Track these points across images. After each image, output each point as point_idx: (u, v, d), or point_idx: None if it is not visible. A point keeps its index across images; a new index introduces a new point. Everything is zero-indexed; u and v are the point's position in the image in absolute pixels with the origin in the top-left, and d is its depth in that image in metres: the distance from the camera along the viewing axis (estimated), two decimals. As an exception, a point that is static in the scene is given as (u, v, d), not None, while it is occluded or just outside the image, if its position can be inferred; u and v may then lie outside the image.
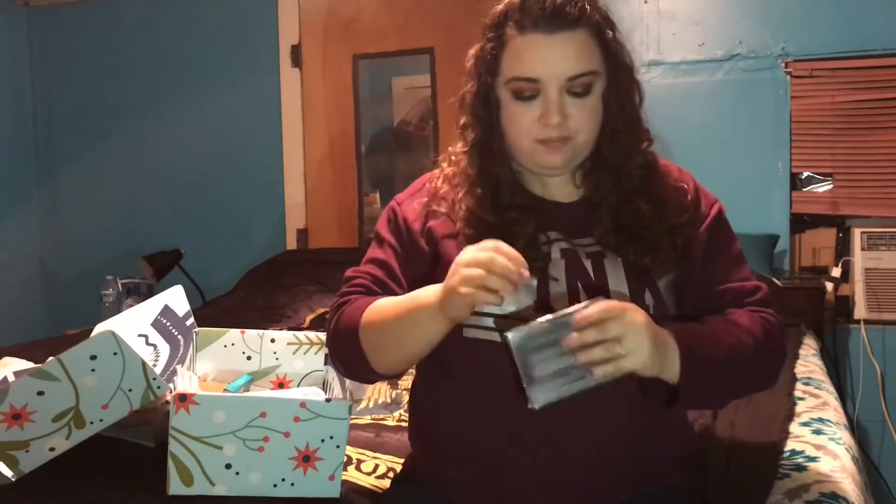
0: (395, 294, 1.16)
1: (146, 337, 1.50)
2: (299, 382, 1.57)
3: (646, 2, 2.96)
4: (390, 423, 1.59)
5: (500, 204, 1.16)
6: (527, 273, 0.97)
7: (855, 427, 2.58)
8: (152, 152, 3.60)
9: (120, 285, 3.07)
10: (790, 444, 1.39)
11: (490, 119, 1.16)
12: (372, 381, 1.23)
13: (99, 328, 1.45)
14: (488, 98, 1.16)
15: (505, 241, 1.10)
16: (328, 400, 1.21)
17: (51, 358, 1.22)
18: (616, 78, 1.14)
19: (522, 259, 0.98)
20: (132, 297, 3.03)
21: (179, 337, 1.57)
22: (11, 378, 1.48)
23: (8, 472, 1.21)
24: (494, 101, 1.15)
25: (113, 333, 1.18)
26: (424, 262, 1.18)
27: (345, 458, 1.22)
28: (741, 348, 1.07)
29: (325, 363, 1.54)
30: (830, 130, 2.77)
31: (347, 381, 1.35)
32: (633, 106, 1.16)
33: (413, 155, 3.25)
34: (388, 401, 1.75)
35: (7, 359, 1.69)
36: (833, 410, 1.62)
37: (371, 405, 1.73)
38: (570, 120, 1.10)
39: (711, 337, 1.07)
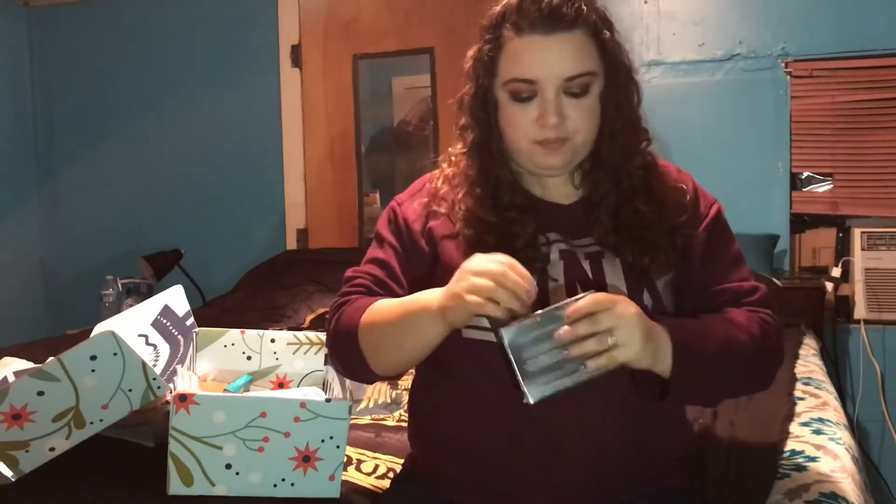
0: (396, 294, 1.16)
1: (146, 337, 1.50)
2: (299, 382, 1.57)
3: (646, 2, 2.96)
4: (390, 423, 1.59)
5: (500, 204, 1.16)
6: (534, 293, 0.98)
7: (855, 427, 2.58)
8: (152, 152, 3.60)
9: (120, 285, 3.07)
10: (790, 444, 1.39)
11: (488, 120, 1.17)
12: (371, 382, 1.23)
13: (99, 328, 1.45)
14: (486, 99, 1.16)
15: (504, 241, 1.12)
16: (328, 400, 1.21)
17: (51, 358, 1.22)
18: (614, 78, 1.14)
19: (532, 278, 0.99)
20: (132, 297, 3.03)
21: (179, 337, 1.57)
22: (11, 378, 1.48)
23: (8, 472, 1.21)
24: (493, 102, 1.16)
25: (113, 333, 1.18)
26: (425, 263, 1.19)
27: (345, 459, 1.22)
28: (736, 344, 1.07)
29: (325, 363, 1.54)
30: (830, 130, 2.77)
31: (347, 382, 1.35)
32: (631, 106, 1.16)
33: (413, 155, 3.25)
34: (388, 401, 1.75)
35: (7, 359, 1.69)
36: (833, 410, 1.62)
37: (371, 405, 1.74)
38: (568, 121, 1.10)
39: (705, 331, 1.07)
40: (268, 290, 2.91)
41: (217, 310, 2.78)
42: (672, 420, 1.18)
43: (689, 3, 2.92)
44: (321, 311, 2.61)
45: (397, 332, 1.08)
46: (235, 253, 3.42)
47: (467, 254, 1.13)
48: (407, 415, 1.30)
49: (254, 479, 1.19)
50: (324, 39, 3.38)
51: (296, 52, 3.40)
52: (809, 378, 1.87)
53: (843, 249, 2.77)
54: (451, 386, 1.15)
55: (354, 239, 3.34)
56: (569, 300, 0.98)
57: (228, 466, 1.18)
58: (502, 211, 1.16)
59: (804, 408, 1.62)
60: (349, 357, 1.14)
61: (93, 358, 1.18)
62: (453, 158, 1.23)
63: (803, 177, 2.85)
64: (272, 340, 1.58)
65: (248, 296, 2.94)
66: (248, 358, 1.57)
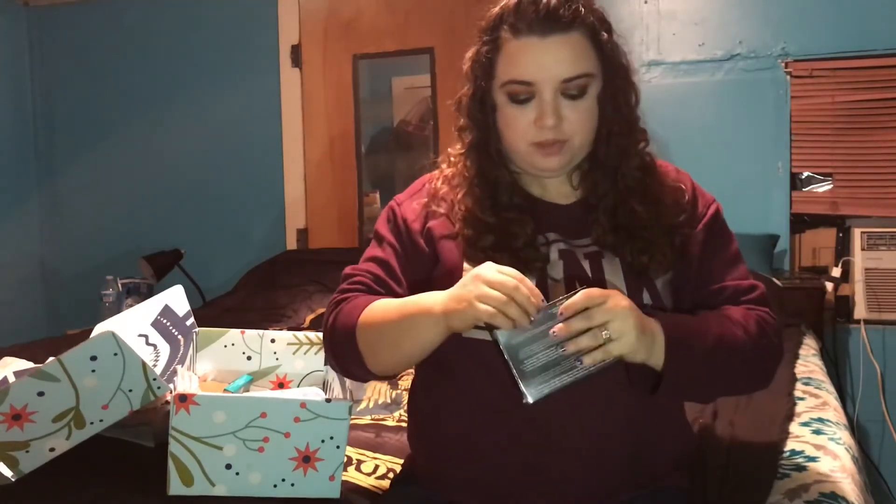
0: (396, 293, 1.16)
1: (146, 337, 1.50)
2: (299, 382, 1.57)
3: (646, 2, 2.96)
4: (390, 423, 1.59)
5: (499, 205, 1.17)
6: (541, 307, 0.99)
7: (855, 427, 2.58)
8: (152, 152, 3.60)
9: (120, 285, 3.07)
10: (790, 444, 1.39)
11: (486, 122, 1.17)
12: (366, 380, 1.23)
13: (99, 328, 1.45)
14: (484, 101, 1.16)
15: (504, 241, 1.12)
16: (328, 400, 1.21)
17: (51, 358, 1.22)
18: (612, 80, 1.14)
19: (541, 295, 1.00)
20: (132, 297, 3.03)
21: (179, 337, 1.57)
22: (11, 378, 1.48)
23: (8, 473, 1.21)
24: (490, 103, 1.16)
25: (113, 334, 1.18)
26: (424, 263, 1.19)
27: (345, 459, 1.22)
28: (732, 341, 1.07)
29: (326, 363, 1.54)
30: (830, 130, 2.77)
31: (347, 382, 1.35)
32: (629, 107, 1.17)
33: (413, 155, 3.25)
34: (388, 401, 1.75)
35: (7, 359, 1.69)
36: (833, 410, 1.62)
37: (371, 405, 1.74)
38: (566, 122, 1.11)
39: (700, 327, 1.07)
40: (268, 290, 2.91)
41: (217, 310, 2.78)
42: (672, 420, 1.18)
43: (689, 3, 2.92)
44: (321, 311, 2.61)
45: (396, 332, 1.08)
46: (235, 253, 3.42)
47: (467, 254, 1.14)
48: (407, 415, 1.30)
49: (254, 480, 1.19)
50: (324, 39, 3.38)
51: (296, 52, 3.40)
52: (809, 378, 1.87)
53: (843, 249, 2.77)
54: (450, 386, 1.15)
55: (354, 239, 3.34)
56: (562, 297, 0.99)
57: (228, 467, 1.18)
58: (501, 211, 1.16)
59: (804, 408, 1.62)
60: (346, 355, 1.14)
61: (93, 358, 1.18)
62: (452, 159, 1.24)
63: (803, 177, 2.85)
64: (272, 340, 1.58)
65: (248, 296, 2.94)
66: (248, 358, 1.57)
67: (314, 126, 3.42)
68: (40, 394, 1.18)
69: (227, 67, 3.47)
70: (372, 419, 1.62)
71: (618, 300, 0.99)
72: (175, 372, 1.45)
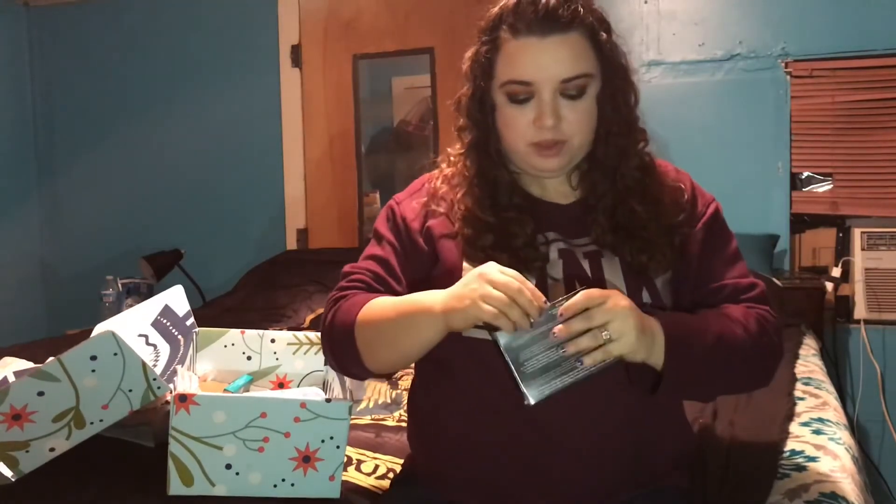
0: (395, 291, 1.16)
1: (146, 337, 1.50)
2: (299, 382, 1.57)
3: (646, 2, 2.96)
4: (390, 423, 1.59)
5: (499, 204, 1.17)
6: (543, 309, 0.99)
7: (855, 427, 2.58)
8: (152, 152, 3.60)
9: (120, 285, 3.07)
10: (790, 444, 1.39)
11: (486, 121, 1.17)
12: (363, 378, 1.23)
13: (99, 328, 1.45)
14: (483, 101, 1.16)
15: (503, 240, 1.12)
16: (328, 400, 1.21)
17: (51, 358, 1.22)
18: (611, 80, 1.14)
19: (544, 298, 1.00)
20: (132, 297, 3.03)
21: (179, 337, 1.57)
22: (11, 378, 1.47)
23: (8, 473, 1.21)
24: (490, 103, 1.16)
25: (113, 334, 1.18)
26: (423, 261, 1.19)
27: (345, 459, 1.22)
28: (731, 339, 1.07)
29: (326, 363, 1.54)
30: (830, 130, 2.77)
31: (347, 382, 1.35)
32: (628, 107, 1.17)
33: (413, 155, 3.25)
34: (388, 401, 1.75)
35: (7, 359, 1.69)
36: (833, 410, 1.62)
37: (371, 405, 1.73)
38: (565, 123, 1.11)
39: (699, 325, 1.07)
40: (268, 290, 2.91)
41: (217, 310, 2.78)
42: (672, 420, 1.18)
43: (689, 3, 2.92)
44: (321, 311, 2.60)
45: (394, 330, 1.08)
46: (235, 253, 3.42)
47: (466, 253, 1.14)
48: (407, 415, 1.30)
49: (254, 480, 1.19)
50: (324, 39, 3.38)
51: (296, 52, 3.40)
52: (809, 378, 1.87)
53: (843, 249, 2.77)
54: (450, 386, 1.15)
55: (354, 239, 3.34)
56: (561, 298, 0.99)
57: (228, 466, 1.18)
58: (501, 211, 1.16)
59: (804, 408, 1.62)
60: (344, 352, 1.13)
61: (93, 358, 1.18)
62: (452, 159, 1.24)
63: (803, 177, 2.85)
64: (272, 340, 1.58)
65: (248, 296, 2.94)
66: (248, 358, 1.57)
67: (314, 126, 3.42)
68: (40, 394, 1.18)
69: (227, 67, 3.47)
70: (372, 419, 1.62)
71: (617, 300, 0.99)
72: (175, 372, 1.45)
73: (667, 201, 1.17)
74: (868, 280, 2.66)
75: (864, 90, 2.72)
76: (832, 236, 2.81)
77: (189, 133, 3.54)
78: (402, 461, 1.32)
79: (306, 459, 1.19)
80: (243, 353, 1.57)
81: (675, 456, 1.18)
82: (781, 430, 1.46)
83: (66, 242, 3.75)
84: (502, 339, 0.99)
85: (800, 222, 2.85)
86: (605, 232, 1.15)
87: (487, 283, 0.99)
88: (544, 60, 1.09)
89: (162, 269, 3.32)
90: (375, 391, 1.80)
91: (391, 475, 1.31)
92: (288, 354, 1.57)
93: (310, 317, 2.63)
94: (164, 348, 1.53)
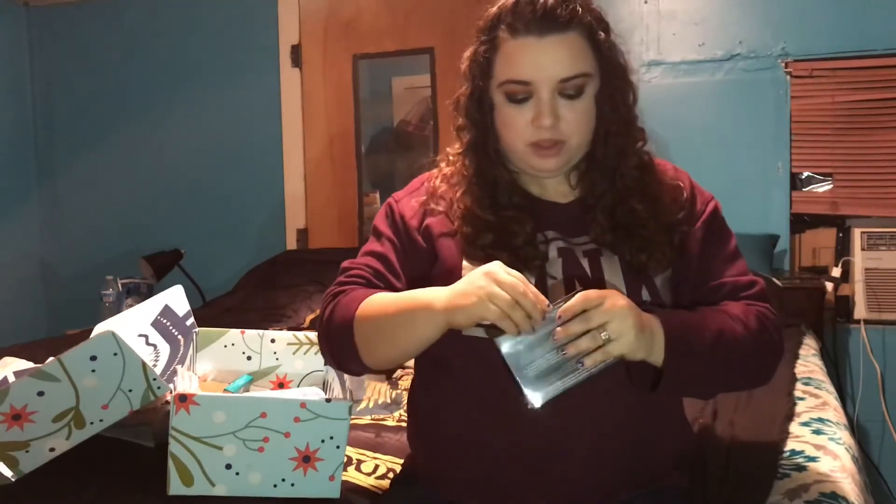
0: (394, 288, 1.16)
1: (146, 337, 1.50)
2: (299, 382, 1.57)
3: (646, 2, 2.96)
4: (390, 423, 1.59)
5: (498, 203, 1.17)
6: (545, 313, 0.99)
7: (855, 427, 2.58)
8: (152, 152, 3.60)
9: (120, 285, 3.07)
10: (790, 444, 1.39)
11: (484, 121, 1.17)
12: (359, 374, 1.23)
13: (99, 328, 1.45)
14: (482, 100, 1.16)
15: (503, 239, 1.12)
16: (328, 400, 1.21)
17: (51, 358, 1.22)
18: (609, 79, 1.14)
19: (546, 301, 1.00)
20: (132, 297, 3.03)
21: (179, 337, 1.57)
22: (11, 378, 1.47)
23: (8, 473, 1.21)
24: (488, 103, 1.16)
25: (113, 334, 1.18)
26: (422, 259, 1.19)
27: (345, 459, 1.22)
28: (731, 336, 1.07)
29: (326, 363, 1.54)
30: (830, 130, 2.77)
31: (347, 382, 1.35)
32: (626, 107, 1.17)
33: (413, 155, 3.25)
34: (388, 401, 1.75)
35: (7, 359, 1.69)
36: (833, 410, 1.62)
37: (371, 405, 1.73)
38: (563, 122, 1.11)
39: (699, 322, 1.07)
40: (268, 290, 2.91)
41: (217, 310, 2.78)
42: (672, 420, 1.18)
43: (689, 3, 2.92)
44: (321, 311, 2.61)
45: (393, 326, 1.08)
46: (235, 253, 3.42)
47: (466, 252, 1.14)
48: (407, 415, 1.30)
49: (254, 480, 1.19)
50: (324, 39, 3.38)
51: (296, 52, 3.40)
52: (809, 378, 1.87)
53: (843, 249, 2.77)
54: (450, 385, 1.15)
55: (354, 239, 3.34)
56: (559, 300, 0.99)
57: (228, 466, 1.18)
58: (500, 210, 1.16)
59: (804, 408, 1.62)
60: (341, 347, 1.13)
61: (93, 358, 1.18)
62: (451, 158, 1.24)
63: (803, 177, 2.85)
64: (272, 340, 1.58)
65: (248, 296, 2.94)
66: (248, 358, 1.57)
67: (314, 126, 3.42)
68: (40, 394, 1.18)
69: (227, 67, 3.47)
70: (372, 419, 1.62)
71: (615, 300, 0.99)
72: (175, 372, 1.45)
73: (666, 200, 1.17)
74: (868, 280, 2.66)
75: (864, 90, 2.72)
76: (832, 236, 2.81)
77: (189, 133, 3.54)
78: (402, 461, 1.32)
79: (306, 459, 1.19)
80: (243, 353, 1.57)
81: (675, 456, 1.18)
82: (781, 430, 1.46)
83: (66, 242, 3.75)
84: (504, 343, 0.99)
85: (800, 222, 2.85)
86: (604, 231, 1.15)
87: (494, 282, 0.99)
88: (543, 60, 1.09)
89: (162, 269, 3.31)
90: (375, 391, 1.80)
91: (391, 475, 1.31)
92: (288, 354, 1.57)
93: (310, 317, 2.63)
94: (164, 348, 1.53)
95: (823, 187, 2.82)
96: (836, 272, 2.73)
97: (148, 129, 3.59)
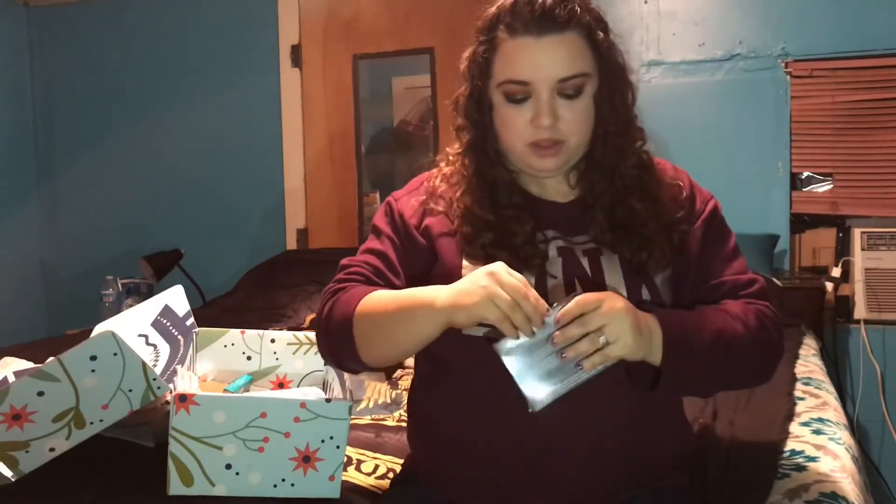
0: (394, 286, 1.16)
1: (146, 337, 1.50)
2: (299, 382, 1.57)
3: (646, 2, 2.96)
4: (390, 423, 1.59)
5: (498, 203, 1.17)
6: (544, 319, 0.99)
7: (855, 427, 2.58)
8: (152, 152, 3.60)
9: (120, 285, 3.07)
10: (790, 444, 1.39)
11: (483, 121, 1.17)
12: (356, 372, 1.22)
13: (99, 328, 1.45)
14: (481, 101, 1.17)
15: (503, 238, 1.12)
16: (328, 400, 1.21)
17: (51, 358, 1.22)
18: (608, 79, 1.14)
19: (546, 305, 1.00)
20: (132, 297, 3.03)
21: (179, 337, 1.57)
22: (11, 378, 1.48)
23: (8, 473, 1.21)
24: (487, 103, 1.16)
25: (113, 334, 1.18)
26: (421, 257, 1.19)
27: (345, 459, 1.22)
28: (730, 334, 1.07)
29: (324, 361, 1.54)
30: (830, 130, 2.77)
31: (347, 382, 1.35)
32: (625, 107, 1.17)
33: (413, 155, 3.25)
34: (388, 401, 1.75)
35: (7, 359, 1.69)
36: (833, 410, 1.62)
37: (371, 405, 1.73)
38: (562, 122, 1.11)
39: (697, 321, 1.07)
40: (268, 290, 2.91)
41: (217, 310, 2.78)
42: (672, 419, 1.19)
43: (689, 3, 2.92)
44: (321, 310, 2.60)
45: (393, 323, 1.08)
46: (235, 253, 3.42)
47: (466, 251, 1.14)
48: (407, 415, 1.30)
49: (254, 480, 1.19)
50: (324, 39, 3.38)
51: (296, 52, 3.40)
52: (809, 378, 1.87)
53: (843, 249, 2.77)
54: (449, 384, 1.15)
55: (354, 239, 3.34)
56: (557, 305, 1.00)
57: (228, 467, 1.18)
58: (500, 209, 1.16)
59: (804, 408, 1.62)
60: (340, 344, 1.13)
61: (93, 358, 1.18)
62: (451, 158, 1.24)
63: (803, 177, 2.85)
64: (272, 340, 1.58)
65: (248, 296, 2.94)
66: (248, 358, 1.57)
67: (314, 126, 3.42)
68: (40, 394, 1.18)
69: (227, 67, 3.47)
70: (372, 419, 1.62)
71: (613, 303, 0.99)
72: (175, 372, 1.45)
73: (665, 199, 1.17)
74: (868, 280, 2.66)
75: (864, 90, 2.72)
76: (832, 236, 2.81)
77: (189, 133, 3.54)
78: (402, 461, 1.32)
79: (306, 459, 1.19)
80: (243, 353, 1.57)
81: (675, 456, 1.18)
82: (781, 430, 1.46)
83: (66, 242, 3.75)
84: (502, 349, 0.99)
85: (800, 222, 2.85)
86: (603, 230, 1.15)
87: (496, 283, 0.99)
88: (541, 60, 1.09)
89: (162, 269, 3.31)
90: (375, 391, 1.80)
91: (391, 475, 1.31)
92: (288, 354, 1.57)
93: (310, 317, 2.63)
94: (164, 348, 1.53)
95: (823, 187, 2.82)
96: (836, 272, 2.73)
97: (148, 129, 3.59)
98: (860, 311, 2.67)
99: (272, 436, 1.17)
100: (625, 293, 1.10)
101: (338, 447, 1.19)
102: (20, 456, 1.21)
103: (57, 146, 3.76)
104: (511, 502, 1.10)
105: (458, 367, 1.13)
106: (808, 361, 2.06)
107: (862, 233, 2.68)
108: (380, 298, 1.11)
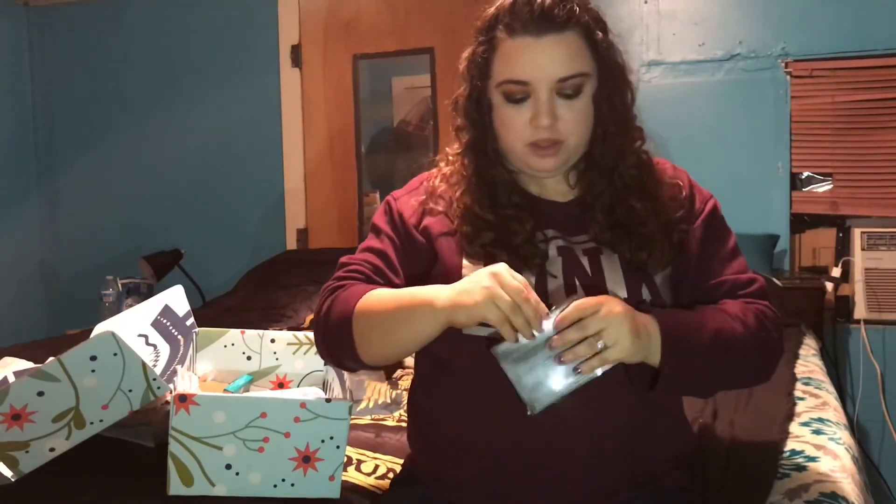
0: (394, 284, 1.16)
1: (146, 337, 1.50)
2: (299, 382, 1.57)
3: (646, 2, 2.96)
4: (390, 423, 1.59)
5: (498, 203, 1.17)
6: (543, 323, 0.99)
7: (855, 427, 2.58)
8: (152, 152, 3.60)
9: (120, 285, 3.07)
10: (790, 444, 1.39)
11: (483, 121, 1.17)
12: (353, 370, 1.22)
13: (99, 328, 1.45)
14: (480, 101, 1.17)
15: (503, 237, 1.12)
16: (328, 400, 1.21)
17: (51, 358, 1.22)
18: (607, 79, 1.14)
19: (547, 309, 1.00)
20: (132, 297, 3.02)
21: (179, 337, 1.57)
22: (11, 378, 1.47)
23: (8, 473, 1.21)
24: (487, 103, 1.16)
25: (113, 334, 1.18)
26: (421, 256, 1.19)
27: (345, 459, 1.22)
28: (729, 334, 1.07)
29: (322, 359, 1.54)
30: (830, 130, 2.77)
31: (347, 382, 1.35)
32: (625, 106, 1.17)
33: (413, 155, 3.25)
34: (388, 401, 1.75)
35: (7, 359, 1.69)
36: (833, 410, 1.62)
37: (371, 405, 1.73)
38: (561, 122, 1.11)
39: (696, 322, 1.07)
40: (268, 290, 2.91)
41: (217, 310, 2.78)
42: (671, 419, 1.19)
43: (689, 3, 2.92)
44: (321, 310, 2.60)
45: (393, 322, 1.08)
46: (235, 253, 3.42)
47: (466, 251, 1.14)
48: (407, 415, 1.30)
49: (254, 480, 1.19)
50: (324, 39, 3.38)
51: (296, 52, 3.40)
52: (809, 378, 1.87)
53: (843, 249, 2.77)
54: (449, 384, 1.15)
55: (354, 239, 3.34)
56: (555, 309, 1.00)
57: (228, 467, 1.18)
58: (500, 209, 1.16)
59: (804, 408, 1.62)
60: (338, 342, 1.12)
61: (93, 358, 1.18)
62: (450, 158, 1.24)
63: (803, 177, 2.85)
64: (272, 340, 1.58)
65: (248, 296, 2.94)
66: (248, 358, 1.57)
67: (314, 126, 3.42)
68: (40, 394, 1.18)
69: (227, 67, 3.47)
70: (372, 419, 1.62)
71: (611, 307, 1.00)
72: (175, 372, 1.45)
73: (665, 198, 1.18)
74: (868, 280, 2.66)
75: (864, 90, 2.72)
76: (832, 236, 2.81)
77: (189, 133, 3.54)
78: (402, 461, 1.32)
79: (306, 459, 1.19)
80: (243, 353, 1.57)
81: (675, 456, 1.18)
82: (781, 430, 1.46)
83: (66, 242, 3.75)
84: (501, 352, 0.99)
85: (800, 222, 2.85)
86: (603, 230, 1.15)
87: (498, 284, 0.99)
88: (540, 60, 1.09)
89: (162, 269, 3.31)
90: (375, 391, 1.80)
91: (391, 475, 1.31)
92: (288, 354, 1.57)
93: (310, 317, 2.63)
94: (164, 348, 1.53)
95: (823, 187, 2.82)
96: (836, 272, 2.73)
97: (148, 129, 3.59)
98: (860, 311, 2.67)
99: (272, 436, 1.17)
100: (625, 292, 1.10)
101: (338, 447, 1.19)
102: (20, 456, 1.21)
103: (57, 146, 3.76)
104: (511, 502, 1.10)
105: (458, 367, 1.13)
106: (808, 361, 2.06)
107: (862, 233, 2.68)
108: (380, 297, 1.10)
